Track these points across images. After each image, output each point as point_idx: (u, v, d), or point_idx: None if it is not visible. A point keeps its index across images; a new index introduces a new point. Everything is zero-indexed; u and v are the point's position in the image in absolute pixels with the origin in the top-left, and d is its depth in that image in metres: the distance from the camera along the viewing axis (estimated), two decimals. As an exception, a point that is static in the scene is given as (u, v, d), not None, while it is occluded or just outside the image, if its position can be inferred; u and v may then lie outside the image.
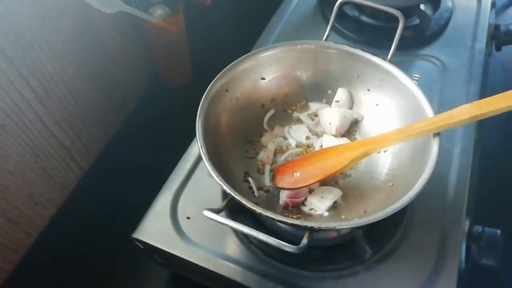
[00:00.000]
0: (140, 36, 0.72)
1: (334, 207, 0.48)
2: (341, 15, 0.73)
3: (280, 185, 0.49)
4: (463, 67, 0.66)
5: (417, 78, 0.65)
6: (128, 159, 0.67)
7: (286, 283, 0.46)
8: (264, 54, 0.53)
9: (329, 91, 0.57)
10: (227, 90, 0.52)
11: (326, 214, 0.47)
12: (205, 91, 0.48)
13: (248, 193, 0.49)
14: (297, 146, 0.54)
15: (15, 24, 0.48)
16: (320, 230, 0.39)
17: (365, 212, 0.46)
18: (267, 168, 0.52)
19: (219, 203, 0.44)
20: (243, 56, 0.52)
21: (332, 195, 0.48)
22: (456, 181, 0.53)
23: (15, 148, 0.53)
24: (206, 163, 0.42)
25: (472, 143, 0.57)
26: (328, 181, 0.50)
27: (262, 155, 0.53)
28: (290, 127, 0.56)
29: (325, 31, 0.56)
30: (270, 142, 0.54)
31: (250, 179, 0.50)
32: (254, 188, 0.49)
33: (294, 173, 0.48)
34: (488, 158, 0.65)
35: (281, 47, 0.54)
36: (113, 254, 0.59)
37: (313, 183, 0.47)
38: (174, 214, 0.51)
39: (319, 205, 0.47)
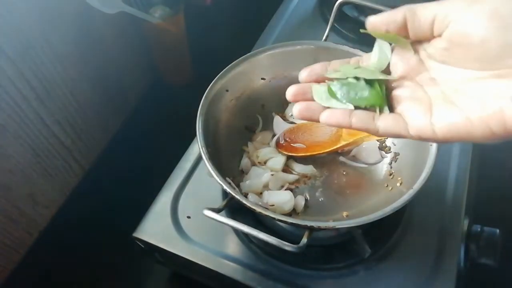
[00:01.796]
0: (140, 37, 0.72)
1: (334, 206, 0.49)
2: (341, 16, 0.73)
3: (281, 150, 0.52)
4: (462, 67, 0.66)
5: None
6: (129, 158, 0.67)
7: (286, 282, 0.46)
8: (264, 54, 0.54)
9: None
10: (227, 90, 0.52)
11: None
12: (205, 91, 0.49)
13: (248, 192, 0.50)
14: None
15: (17, 25, 0.49)
16: (319, 229, 0.39)
17: (364, 211, 0.47)
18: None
19: (219, 202, 0.44)
20: (243, 56, 0.53)
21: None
22: (455, 180, 0.53)
23: (16, 147, 0.53)
24: (206, 163, 0.42)
25: (471, 143, 0.57)
26: (330, 180, 0.51)
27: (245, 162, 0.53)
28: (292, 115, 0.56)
29: (325, 32, 0.56)
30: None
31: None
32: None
33: (296, 144, 0.52)
34: (487, 158, 0.65)
35: (281, 47, 0.54)
36: (113, 253, 0.60)
37: (308, 155, 0.50)
38: (174, 213, 0.52)
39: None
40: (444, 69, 0.30)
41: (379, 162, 0.51)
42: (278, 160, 0.52)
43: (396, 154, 0.50)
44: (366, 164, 0.52)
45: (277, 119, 0.55)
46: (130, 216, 0.51)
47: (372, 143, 0.52)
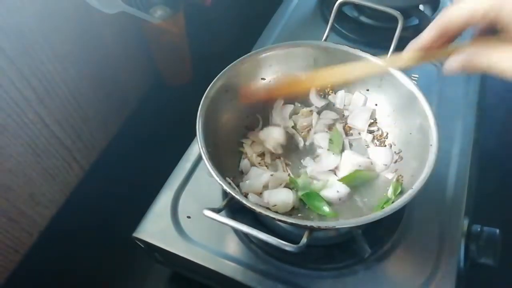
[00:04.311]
0: (140, 37, 0.72)
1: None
2: (341, 16, 0.73)
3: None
4: (462, 67, 0.66)
5: (416, 78, 0.65)
6: (129, 158, 0.67)
7: (286, 282, 0.46)
8: (264, 54, 0.54)
9: (328, 91, 0.57)
10: (227, 90, 0.52)
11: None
12: (205, 91, 0.49)
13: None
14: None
15: (16, 24, 0.49)
16: (319, 229, 0.39)
17: (364, 211, 0.47)
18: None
19: (219, 202, 0.44)
20: (243, 56, 0.53)
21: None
22: (455, 180, 0.53)
23: (16, 148, 0.53)
24: (206, 163, 0.42)
25: (471, 143, 0.57)
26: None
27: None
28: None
29: (325, 32, 0.56)
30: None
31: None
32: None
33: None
34: (487, 158, 0.65)
35: (281, 47, 0.54)
36: (114, 253, 0.60)
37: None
38: (174, 213, 0.52)
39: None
40: None
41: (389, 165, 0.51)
42: None
43: (396, 153, 0.50)
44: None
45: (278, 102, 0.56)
46: (130, 216, 0.51)
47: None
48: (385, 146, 0.52)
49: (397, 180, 0.47)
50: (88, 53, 0.62)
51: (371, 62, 0.49)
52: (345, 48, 0.53)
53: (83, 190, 0.66)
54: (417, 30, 0.71)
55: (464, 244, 0.49)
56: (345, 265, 0.47)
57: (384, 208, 0.39)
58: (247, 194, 0.48)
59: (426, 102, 0.47)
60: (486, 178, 0.62)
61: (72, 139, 0.63)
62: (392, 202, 0.44)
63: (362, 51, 0.53)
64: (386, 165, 0.50)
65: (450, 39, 0.37)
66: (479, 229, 0.49)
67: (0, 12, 0.46)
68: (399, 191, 0.46)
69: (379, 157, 0.51)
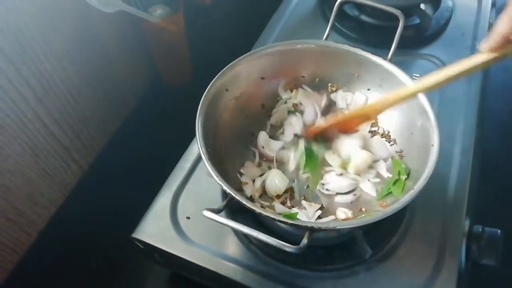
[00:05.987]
0: (140, 36, 0.72)
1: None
2: (341, 15, 0.73)
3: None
4: (463, 66, 0.66)
5: (417, 78, 0.65)
6: (128, 158, 0.66)
7: (286, 283, 0.46)
8: (264, 54, 0.53)
9: (329, 91, 0.57)
10: (227, 90, 0.51)
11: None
12: (205, 91, 0.48)
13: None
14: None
15: (15, 24, 0.48)
16: (320, 230, 0.39)
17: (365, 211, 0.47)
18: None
19: (219, 203, 0.44)
20: (243, 56, 0.52)
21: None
22: (456, 181, 0.53)
23: (15, 147, 0.53)
24: (206, 163, 0.42)
25: (472, 143, 0.57)
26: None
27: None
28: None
29: (325, 31, 0.56)
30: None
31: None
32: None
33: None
34: (489, 158, 0.65)
35: (281, 46, 0.54)
36: (113, 254, 0.59)
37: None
38: (174, 214, 0.51)
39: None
40: None
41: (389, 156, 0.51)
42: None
43: (398, 153, 0.50)
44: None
45: (263, 135, 0.54)
46: (130, 217, 0.51)
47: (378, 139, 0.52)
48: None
49: (393, 158, 0.49)
50: (87, 53, 0.62)
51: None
52: (346, 47, 0.53)
53: (82, 190, 0.66)
54: (418, 29, 0.71)
55: (466, 245, 0.48)
56: (345, 266, 0.47)
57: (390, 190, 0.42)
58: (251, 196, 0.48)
59: (427, 102, 0.47)
60: (488, 178, 0.62)
61: (71, 139, 0.63)
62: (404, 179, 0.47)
63: (363, 50, 0.52)
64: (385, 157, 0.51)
65: None
66: (480, 230, 0.49)
67: (-1, 12, 0.46)
68: (403, 166, 0.47)
69: (377, 149, 0.52)
